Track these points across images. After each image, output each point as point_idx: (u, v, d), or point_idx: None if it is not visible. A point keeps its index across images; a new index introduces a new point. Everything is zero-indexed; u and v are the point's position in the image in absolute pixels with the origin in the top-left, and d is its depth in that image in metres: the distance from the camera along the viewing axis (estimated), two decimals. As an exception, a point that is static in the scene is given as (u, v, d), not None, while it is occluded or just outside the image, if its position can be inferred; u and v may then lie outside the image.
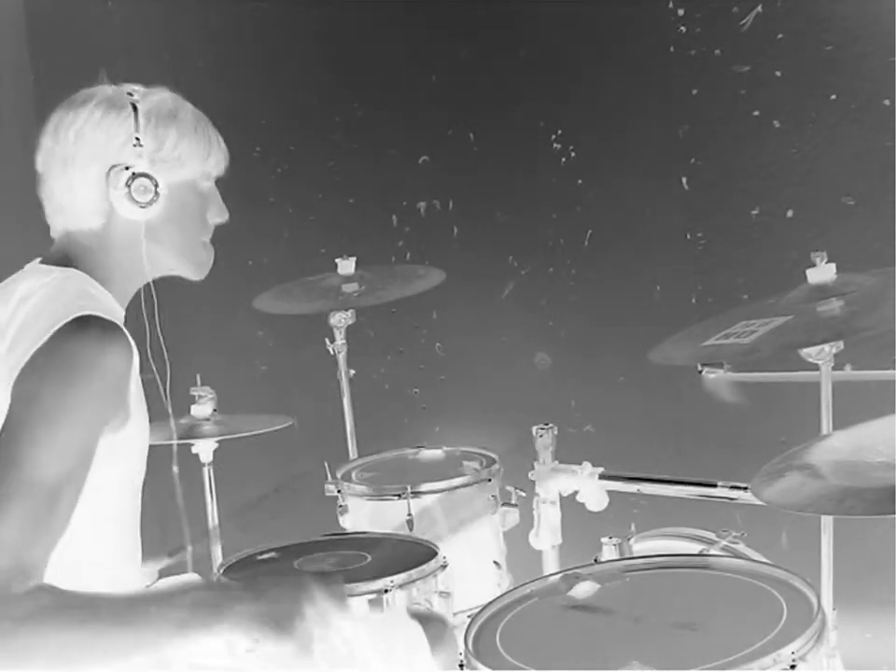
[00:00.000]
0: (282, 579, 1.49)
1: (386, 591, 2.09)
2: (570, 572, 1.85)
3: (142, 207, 1.59)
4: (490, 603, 1.79)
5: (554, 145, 3.21)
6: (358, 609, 2.05)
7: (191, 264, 1.71)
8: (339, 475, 2.77)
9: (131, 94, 1.62)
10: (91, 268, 1.61)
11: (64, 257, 1.63)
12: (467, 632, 1.69)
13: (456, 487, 2.61)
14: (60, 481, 1.38)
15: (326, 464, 2.75)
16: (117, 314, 1.60)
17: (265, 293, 3.12)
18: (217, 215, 1.72)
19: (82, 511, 1.43)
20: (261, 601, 1.41)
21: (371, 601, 2.08)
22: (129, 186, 1.58)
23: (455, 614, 2.20)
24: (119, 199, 1.59)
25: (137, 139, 1.58)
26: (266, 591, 1.43)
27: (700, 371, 2.39)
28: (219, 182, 1.77)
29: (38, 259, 1.68)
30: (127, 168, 1.58)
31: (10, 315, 1.54)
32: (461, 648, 1.64)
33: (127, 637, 1.35)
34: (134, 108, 1.60)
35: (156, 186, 1.60)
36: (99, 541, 1.57)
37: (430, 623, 1.94)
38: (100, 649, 1.34)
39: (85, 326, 1.45)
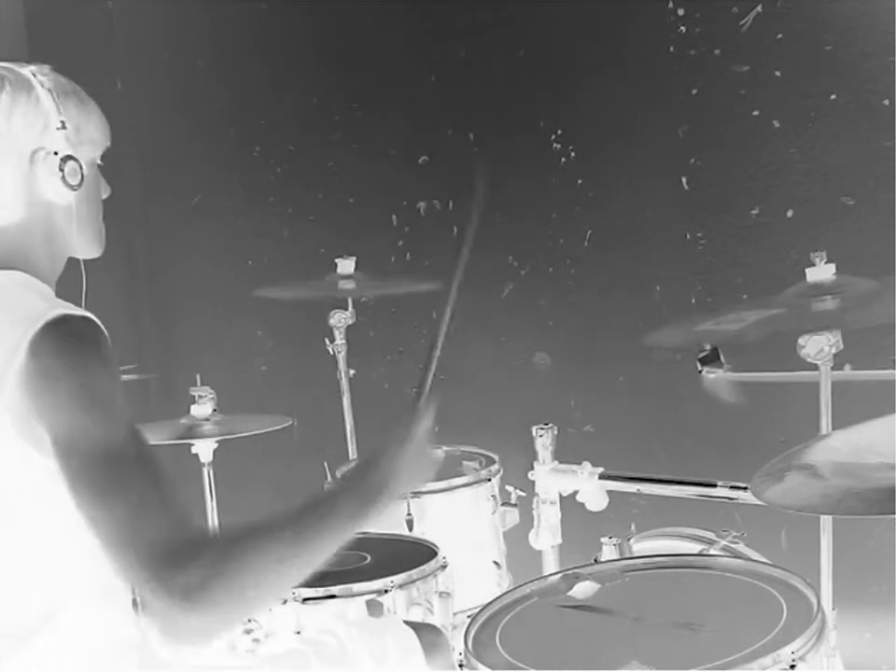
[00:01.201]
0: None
1: (386, 591, 2.09)
2: (570, 572, 1.85)
3: (74, 190, 1.55)
4: (490, 603, 1.79)
5: (554, 145, 3.21)
6: (355, 614, 2.05)
7: (97, 240, 1.65)
8: (339, 475, 2.77)
9: (33, 74, 1.55)
10: (22, 263, 1.54)
11: None
12: (467, 632, 1.69)
13: (456, 487, 2.60)
14: (139, 451, 1.36)
15: (325, 464, 2.76)
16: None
17: (263, 287, 3.11)
18: (105, 191, 1.68)
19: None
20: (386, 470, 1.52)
21: (370, 601, 2.08)
22: (62, 170, 1.52)
23: (454, 614, 2.21)
24: (50, 184, 1.53)
25: (62, 122, 1.53)
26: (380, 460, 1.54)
27: (700, 371, 2.39)
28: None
29: None
30: (55, 153, 1.52)
31: None
32: (460, 648, 1.64)
33: (318, 541, 1.38)
34: (44, 88, 1.53)
35: (81, 167, 1.56)
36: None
37: (424, 630, 1.94)
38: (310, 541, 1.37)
39: (65, 323, 1.39)
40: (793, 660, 1.47)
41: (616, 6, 3.03)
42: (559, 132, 3.20)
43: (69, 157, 1.54)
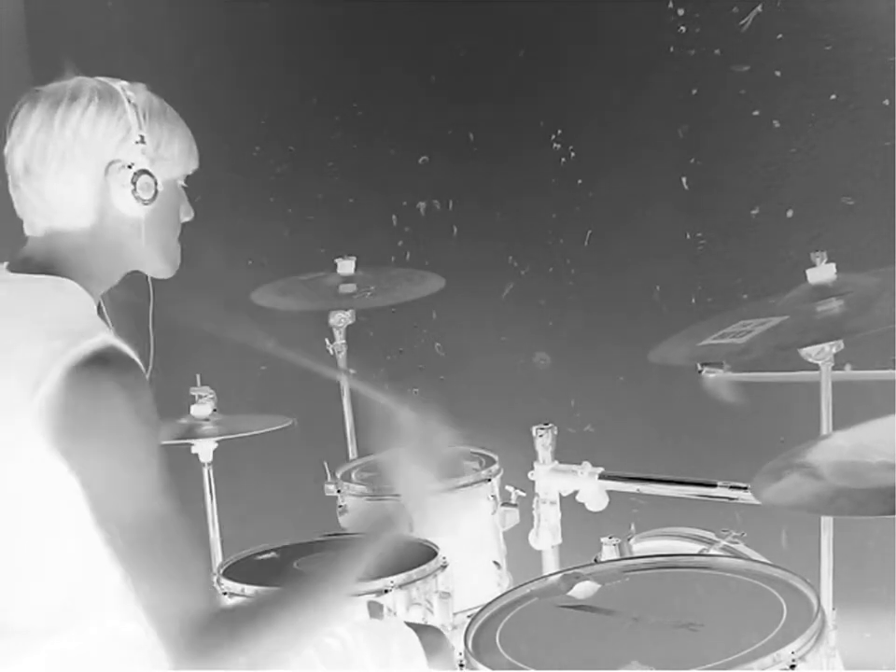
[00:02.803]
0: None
1: (386, 591, 2.09)
2: (570, 572, 1.85)
3: (145, 204, 1.57)
4: (490, 603, 1.79)
5: (554, 145, 3.21)
6: (356, 616, 2.05)
7: (168, 262, 1.68)
8: (338, 475, 2.77)
9: (123, 89, 1.58)
10: (74, 268, 1.56)
11: (46, 259, 1.56)
12: (467, 632, 1.69)
13: (456, 487, 2.60)
14: (168, 518, 1.39)
15: (325, 464, 2.76)
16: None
17: (263, 287, 3.11)
18: (186, 213, 1.70)
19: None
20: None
21: (371, 601, 2.08)
22: (134, 183, 1.55)
23: (454, 614, 2.21)
24: (121, 196, 1.55)
25: (142, 136, 1.56)
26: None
27: (700, 371, 2.39)
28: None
29: (4, 265, 1.60)
30: (130, 166, 1.55)
31: None
32: (460, 648, 1.64)
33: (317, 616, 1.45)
34: (131, 103, 1.57)
35: (155, 183, 1.58)
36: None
37: (426, 632, 1.94)
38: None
39: (107, 361, 1.40)
40: (793, 660, 1.47)
41: (616, 5, 3.03)
42: (559, 132, 3.20)
43: (143, 171, 1.56)
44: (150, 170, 1.57)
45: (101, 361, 1.39)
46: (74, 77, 1.59)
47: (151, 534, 1.37)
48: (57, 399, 1.37)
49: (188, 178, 1.68)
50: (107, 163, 1.55)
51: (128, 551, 1.37)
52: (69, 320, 1.47)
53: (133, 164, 1.55)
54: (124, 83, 1.60)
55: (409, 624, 1.96)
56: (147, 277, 1.71)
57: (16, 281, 1.56)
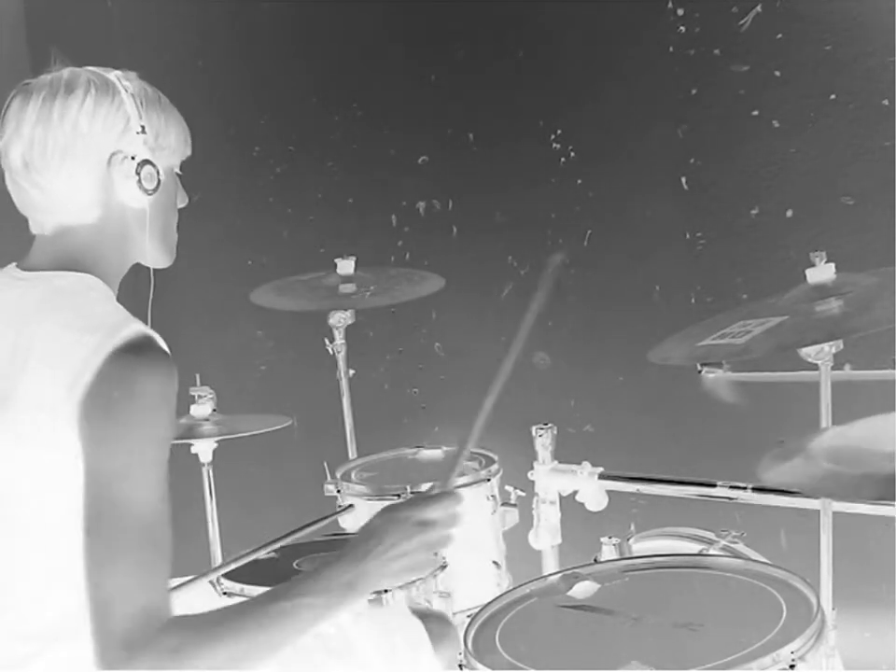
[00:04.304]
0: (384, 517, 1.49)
1: (386, 591, 2.09)
2: (570, 572, 1.85)
3: (149, 195, 1.56)
4: (490, 603, 1.79)
5: (554, 145, 3.21)
6: (359, 607, 2.05)
7: (168, 251, 1.67)
8: (338, 475, 2.77)
9: (118, 79, 1.56)
10: (90, 264, 1.55)
11: (60, 257, 1.55)
12: (466, 632, 1.69)
13: (456, 487, 2.60)
14: (159, 516, 1.38)
15: (325, 464, 2.76)
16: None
17: (262, 287, 3.11)
18: (182, 200, 1.69)
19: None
20: (386, 553, 1.44)
21: (371, 601, 2.08)
22: (139, 174, 1.54)
23: (454, 614, 2.21)
24: (126, 188, 1.54)
25: (142, 127, 1.54)
26: (382, 539, 1.45)
27: (700, 371, 2.39)
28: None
29: (13, 264, 1.59)
30: (132, 157, 1.54)
31: (15, 334, 1.46)
32: (461, 647, 1.64)
33: (276, 635, 1.39)
34: (128, 93, 1.55)
35: (158, 172, 1.57)
36: None
37: (432, 620, 1.94)
38: (260, 646, 1.38)
39: (143, 350, 1.41)
40: (793, 660, 1.47)
41: (616, 5, 3.03)
42: (559, 132, 3.20)
43: (146, 161, 1.55)
44: (152, 160, 1.56)
45: (137, 350, 1.40)
46: (64, 68, 1.57)
47: (139, 525, 1.36)
48: (95, 387, 1.37)
49: (182, 166, 1.67)
50: (109, 155, 1.53)
51: (106, 534, 1.35)
52: (102, 314, 1.46)
53: (135, 155, 1.54)
54: (118, 72, 1.58)
55: (414, 611, 1.95)
56: (147, 270, 1.68)
57: (35, 279, 1.54)
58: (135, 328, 1.42)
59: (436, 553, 1.53)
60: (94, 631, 1.33)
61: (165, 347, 1.44)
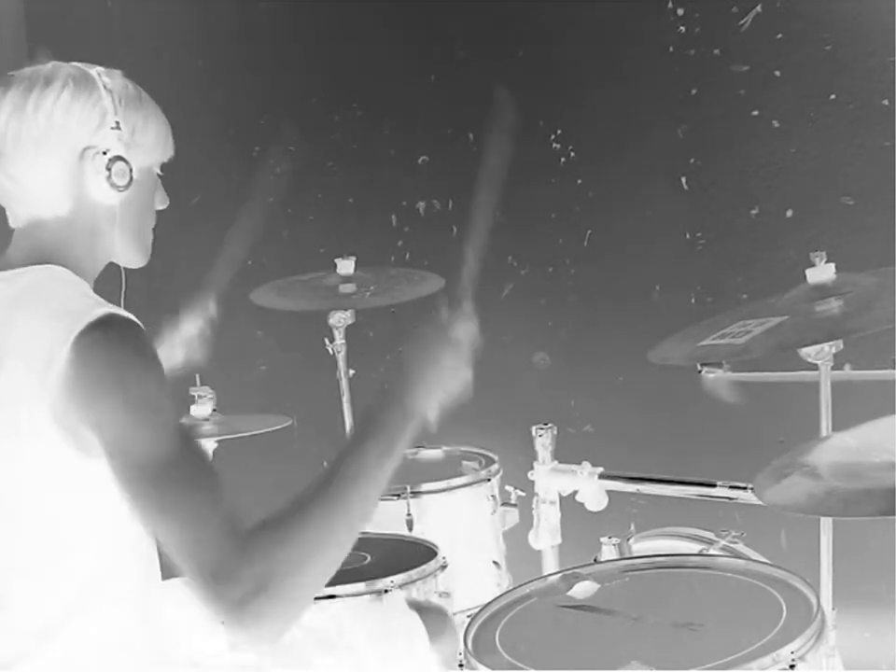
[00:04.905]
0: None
1: (386, 591, 2.09)
2: (570, 572, 1.85)
3: (120, 191, 1.54)
4: (490, 603, 1.79)
5: (554, 145, 3.21)
6: (357, 604, 2.05)
7: (141, 251, 1.65)
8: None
9: (99, 74, 1.56)
10: (61, 257, 1.54)
11: (32, 252, 1.55)
12: (466, 632, 1.69)
13: (456, 487, 2.60)
14: (184, 455, 1.39)
15: (325, 464, 2.75)
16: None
17: (262, 287, 3.10)
18: (161, 202, 1.68)
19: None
20: (419, 378, 1.57)
21: (370, 601, 2.08)
22: (109, 169, 1.52)
23: (454, 614, 2.21)
24: (96, 183, 1.53)
25: (117, 122, 1.53)
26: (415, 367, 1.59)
27: (700, 371, 2.39)
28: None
29: None
30: (105, 152, 1.52)
31: None
32: (461, 647, 1.64)
33: (356, 492, 1.44)
34: (107, 89, 1.54)
35: (130, 170, 1.55)
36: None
37: (430, 614, 1.93)
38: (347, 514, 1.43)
39: (109, 325, 1.40)
40: (793, 660, 1.47)
41: (616, 5, 3.03)
42: (559, 132, 3.20)
43: (118, 157, 1.54)
44: (125, 156, 1.55)
45: (104, 326, 1.39)
46: (48, 61, 1.56)
47: (169, 475, 1.36)
48: (68, 371, 1.36)
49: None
50: (82, 149, 1.52)
51: (147, 500, 1.36)
52: (69, 302, 1.45)
53: (107, 151, 1.53)
54: (100, 69, 1.57)
55: (412, 605, 1.95)
56: (119, 269, 1.69)
57: (11, 277, 1.53)
58: (101, 310, 1.41)
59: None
60: (198, 589, 1.33)
61: (134, 319, 1.43)
